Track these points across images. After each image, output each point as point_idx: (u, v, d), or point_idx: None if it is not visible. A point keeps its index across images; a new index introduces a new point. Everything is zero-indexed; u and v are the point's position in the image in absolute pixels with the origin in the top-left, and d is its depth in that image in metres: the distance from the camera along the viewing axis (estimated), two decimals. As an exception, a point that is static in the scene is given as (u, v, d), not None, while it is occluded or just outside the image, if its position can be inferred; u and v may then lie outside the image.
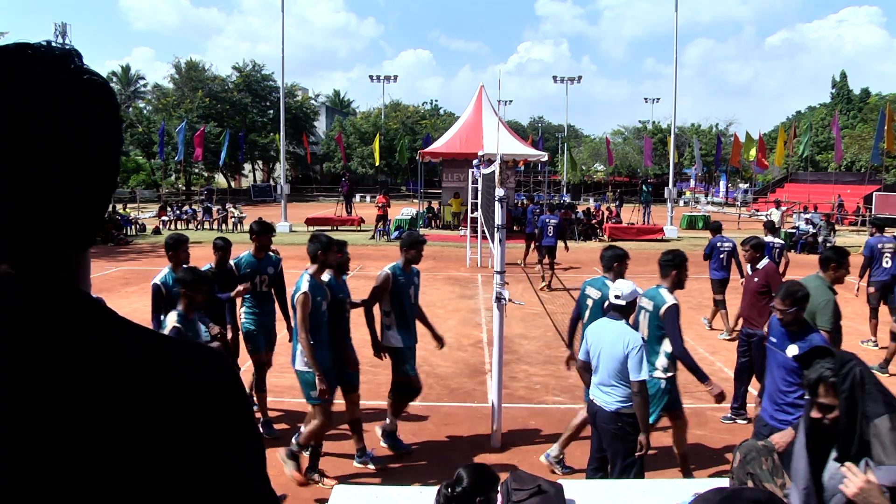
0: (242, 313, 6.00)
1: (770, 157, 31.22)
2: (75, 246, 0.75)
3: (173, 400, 0.72)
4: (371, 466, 5.13)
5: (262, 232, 6.04)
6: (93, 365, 0.69)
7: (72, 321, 0.71)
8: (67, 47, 0.73)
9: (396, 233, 21.70)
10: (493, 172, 8.43)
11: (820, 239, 18.97)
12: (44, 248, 0.72)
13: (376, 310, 5.49)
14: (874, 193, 27.77)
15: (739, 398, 6.22)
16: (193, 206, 27.06)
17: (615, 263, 5.09)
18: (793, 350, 3.57)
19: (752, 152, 27.70)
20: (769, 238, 9.39)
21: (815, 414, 2.25)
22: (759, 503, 1.67)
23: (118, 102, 0.77)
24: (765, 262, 6.44)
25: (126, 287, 12.65)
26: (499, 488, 3.09)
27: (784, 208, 22.50)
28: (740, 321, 7.06)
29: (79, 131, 0.71)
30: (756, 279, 6.30)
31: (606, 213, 25.06)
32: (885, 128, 21.56)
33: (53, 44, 0.72)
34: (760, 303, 6.12)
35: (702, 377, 4.51)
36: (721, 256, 9.97)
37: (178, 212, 24.87)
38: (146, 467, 0.68)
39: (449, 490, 2.63)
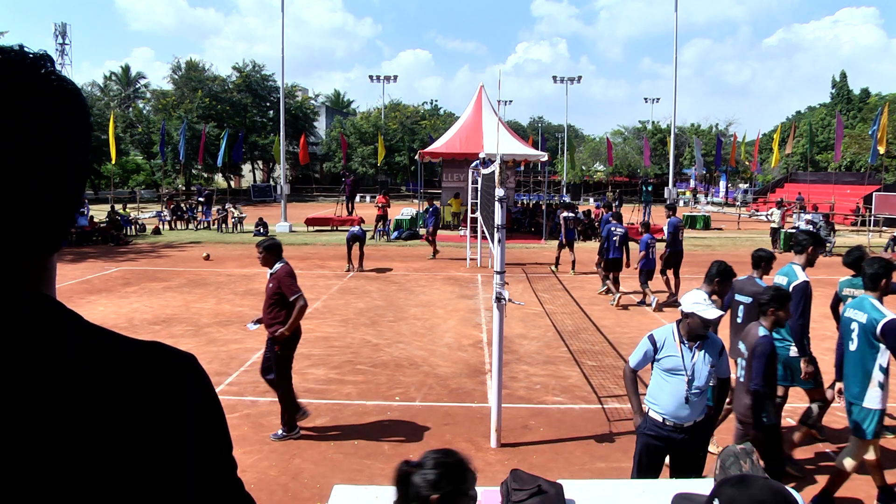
0: None
1: (768, 159, 31.26)
2: (45, 251, 0.75)
3: (151, 401, 0.73)
4: None
5: None
6: (70, 373, 0.68)
7: (46, 329, 0.70)
8: (40, 52, 0.73)
9: (396, 233, 21.69)
10: (493, 172, 8.42)
11: (820, 239, 18.98)
12: (15, 256, 0.71)
13: None
14: (874, 193, 27.77)
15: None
16: (192, 206, 27.06)
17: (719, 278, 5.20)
18: None
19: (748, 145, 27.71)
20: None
21: None
22: (762, 501, 1.68)
23: (87, 107, 0.77)
24: (278, 266, 5.63)
25: (126, 287, 12.65)
26: (499, 488, 3.09)
27: (785, 208, 22.45)
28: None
29: (56, 137, 0.70)
30: (270, 284, 5.58)
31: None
32: (881, 128, 21.56)
33: (26, 48, 0.72)
34: (272, 309, 5.57)
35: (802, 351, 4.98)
36: (615, 239, 11.41)
37: (179, 212, 24.86)
38: (128, 467, 0.69)
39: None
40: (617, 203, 27.88)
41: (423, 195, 28.20)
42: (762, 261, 5.77)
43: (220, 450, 0.81)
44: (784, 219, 20.63)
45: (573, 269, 14.61)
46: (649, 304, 11.20)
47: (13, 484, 0.63)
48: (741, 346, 4.45)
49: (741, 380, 4.42)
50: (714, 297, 5.04)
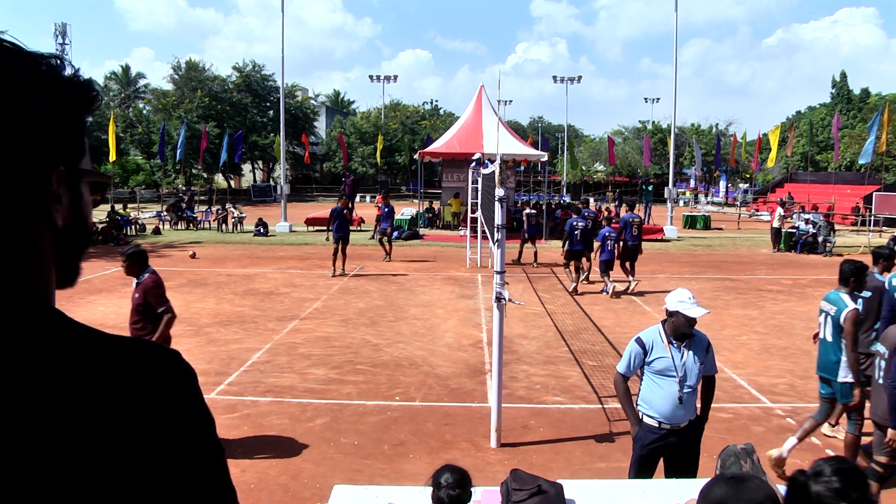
0: None
1: (769, 159, 31.28)
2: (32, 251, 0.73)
3: (156, 401, 0.73)
4: None
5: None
6: (72, 372, 0.68)
7: (47, 329, 0.70)
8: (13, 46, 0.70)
9: (396, 233, 21.67)
10: (493, 172, 8.42)
11: (820, 239, 18.96)
12: (15, 256, 0.70)
13: None
14: (874, 193, 27.75)
15: None
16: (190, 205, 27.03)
17: (852, 278, 5.11)
18: None
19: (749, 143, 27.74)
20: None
21: None
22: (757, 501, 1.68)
23: (90, 104, 0.75)
24: (145, 275, 5.28)
25: (126, 287, 12.61)
26: (499, 488, 3.10)
27: (785, 207, 22.43)
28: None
29: (56, 136, 0.70)
30: (136, 295, 5.30)
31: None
32: (883, 128, 21.54)
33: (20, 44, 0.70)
34: (139, 321, 5.29)
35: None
36: (576, 233, 12.40)
37: (179, 212, 24.82)
38: (133, 468, 0.68)
39: (454, 491, 2.71)
40: (617, 203, 27.88)
41: (422, 195, 28.23)
42: (881, 257, 5.98)
43: (217, 453, 0.80)
44: (783, 219, 20.59)
45: (535, 261, 15.91)
46: (607, 292, 12.21)
47: (14, 485, 0.63)
48: (880, 347, 4.42)
49: (880, 381, 4.36)
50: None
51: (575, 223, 12.53)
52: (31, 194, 0.69)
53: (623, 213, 13.47)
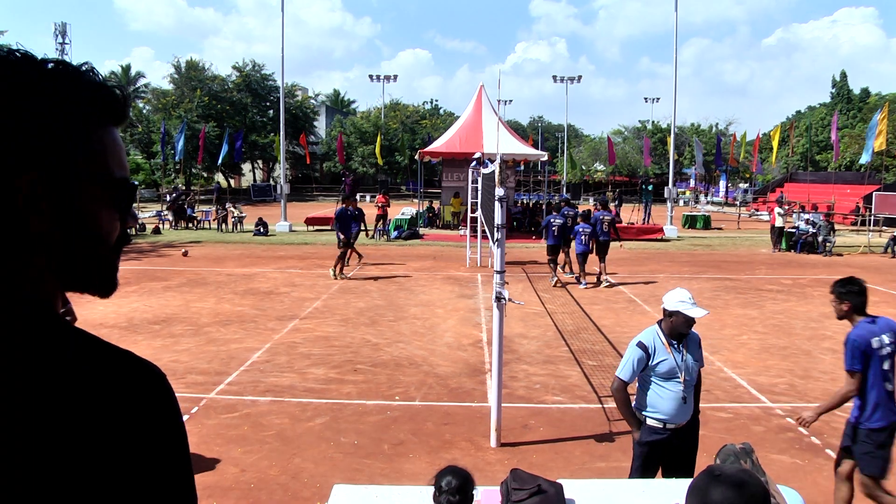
0: None
1: (768, 159, 31.28)
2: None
3: (150, 404, 0.74)
4: None
5: None
6: (72, 372, 0.69)
7: (47, 329, 0.70)
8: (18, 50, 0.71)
9: (396, 233, 21.69)
10: (493, 172, 8.42)
11: (820, 239, 18.95)
12: (14, 257, 0.71)
13: None
14: (874, 193, 27.74)
15: None
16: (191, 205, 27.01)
17: None
18: None
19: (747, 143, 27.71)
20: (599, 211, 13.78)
21: None
22: (741, 482, 1.69)
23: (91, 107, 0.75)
24: None
25: (126, 287, 12.63)
26: (498, 488, 3.10)
27: (784, 206, 22.39)
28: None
29: (56, 137, 0.71)
30: None
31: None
32: (881, 127, 21.51)
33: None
34: None
35: None
36: (553, 229, 13.34)
37: (181, 212, 24.76)
38: (124, 470, 0.69)
39: (455, 497, 2.70)
40: (617, 203, 27.93)
41: (422, 195, 28.23)
42: None
43: (186, 466, 0.80)
44: (784, 217, 20.56)
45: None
46: (582, 284, 13.11)
47: (14, 484, 0.63)
48: None
49: None
50: None
51: (552, 220, 13.48)
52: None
53: (595, 211, 14.31)
